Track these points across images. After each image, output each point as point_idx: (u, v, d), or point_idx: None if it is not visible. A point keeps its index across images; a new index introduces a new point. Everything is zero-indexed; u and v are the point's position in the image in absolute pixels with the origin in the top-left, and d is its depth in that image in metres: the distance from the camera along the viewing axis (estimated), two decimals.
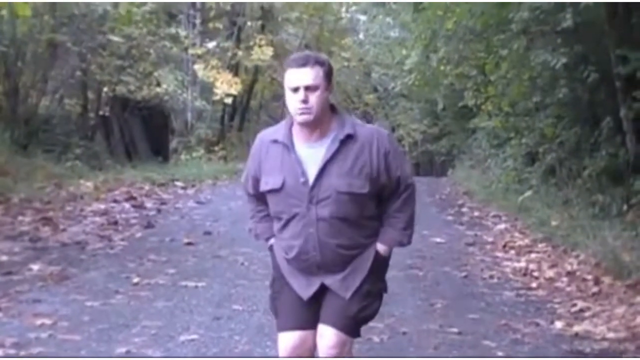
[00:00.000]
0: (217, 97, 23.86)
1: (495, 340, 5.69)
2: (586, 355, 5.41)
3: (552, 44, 11.43)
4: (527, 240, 9.93)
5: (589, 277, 7.60)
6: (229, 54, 24.97)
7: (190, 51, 23.64)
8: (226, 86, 23.54)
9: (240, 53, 24.97)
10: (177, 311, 6.12)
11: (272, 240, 3.49)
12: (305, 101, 3.21)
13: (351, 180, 3.25)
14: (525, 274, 8.09)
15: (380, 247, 3.40)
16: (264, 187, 3.36)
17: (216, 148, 23.80)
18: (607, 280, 7.37)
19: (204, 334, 5.50)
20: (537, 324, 6.14)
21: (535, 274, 8.05)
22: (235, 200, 13.20)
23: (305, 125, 3.28)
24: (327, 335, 3.32)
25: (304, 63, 3.26)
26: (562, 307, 6.72)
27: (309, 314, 3.37)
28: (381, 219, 3.40)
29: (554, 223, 10.18)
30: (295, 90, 3.23)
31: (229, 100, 24.41)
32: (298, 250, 3.32)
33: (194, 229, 10.13)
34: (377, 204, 3.38)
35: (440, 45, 14.52)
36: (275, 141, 3.35)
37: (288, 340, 3.39)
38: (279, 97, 30.99)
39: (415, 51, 15.57)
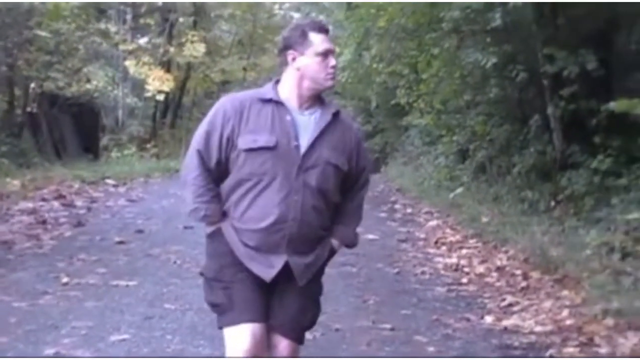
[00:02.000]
0: (149, 94, 23.67)
1: (427, 335, 5.75)
2: (515, 349, 5.51)
3: (482, 43, 11.62)
4: (458, 237, 10.08)
5: (518, 272, 7.75)
6: (161, 50, 24.76)
7: (121, 47, 23.36)
8: (158, 83, 23.36)
9: (172, 49, 24.78)
10: (108, 311, 6.03)
11: (220, 224, 3.23)
12: (335, 66, 3.20)
13: (337, 154, 3.22)
14: (456, 270, 8.20)
15: (335, 244, 3.34)
16: (248, 144, 3.13)
17: (148, 145, 23.57)
18: (535, 275, 7.53)
19: (136, 334, 5.43)
20: (468, 319, 6.23)
21: (466, 269, 8.18)
22: (168, 198, 13.07)
23: (323, 91, 3.24)
24: (282, 347, 3.23)
25: (327, 29, 3.24)
26: (492, 302, 6.83)
27: (263, 305, 3.19)
28: (336, 211, 3.31)
29: (484, 219, 10.35)
30: (325, 55, 3.18)
31: (161, 97, 24.22)
32: (275, 218, 3.12)
33: (126, 228, 9.99)
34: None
35: (373, 43, 14.60)
36: (266, 100, 3.21)
37: (246, 334, 3.12)
38: (212, 94, 30.88)
39: (348, 49, 15.62)
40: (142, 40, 26.01)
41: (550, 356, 5.35)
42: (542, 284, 7.25)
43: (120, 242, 8.92)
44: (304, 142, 3.17)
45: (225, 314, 3.20)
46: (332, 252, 3.34)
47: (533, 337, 5.76)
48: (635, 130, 9.05)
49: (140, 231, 9.72)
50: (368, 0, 14.39)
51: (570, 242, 8.13)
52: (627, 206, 8.23)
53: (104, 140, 22.24)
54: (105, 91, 21.27)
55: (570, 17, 10.84)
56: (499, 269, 8.05)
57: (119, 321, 5.73)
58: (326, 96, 3.32)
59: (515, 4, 10.16)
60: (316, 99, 3.25)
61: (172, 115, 27.57)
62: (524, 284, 7.33)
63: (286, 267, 3.18)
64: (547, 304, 6.54)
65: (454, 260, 8.64)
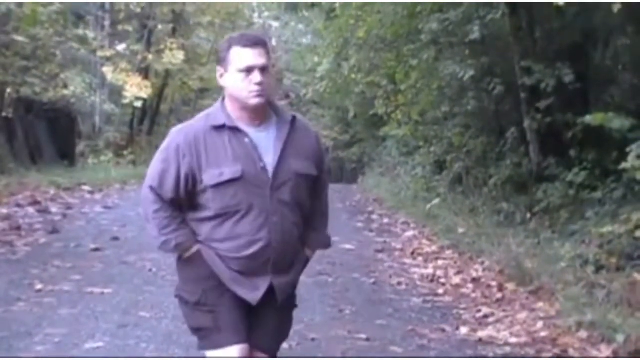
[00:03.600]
0: (126, 101, 23.54)
1: (402, 346, 5.76)
2: None
3: (460, 55, 11.71)
4: (434, 247, 10.10)
5: (494, 283, 7.79)
6: (139, 57, 24.66)
7: (99, 53, 23.23)
8: (136, 89, 23.25)
9: (150, 56, 24.69)
10: (82, 318, 5.98)
11: (196, 247, 3.09)
12: (261, 83, 2.99)
13: (304, 162, 3.11)
14: (432, 281, 8.22)
15: (309, 252, 3.28)
16: (215, 180, 2.98)
17: (125, 152, 23.45)
18: (510, 286, 7.56)
19: (110, 342, 5.39)
20: (443, 330, 6.25)
21: (442, 280, 8.20)
22: None
23: (255, 108, 3.04)
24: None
25: (256, 42, 3.04)
26: (468, 313, 6.86)
27: (247, 325, 3.12)
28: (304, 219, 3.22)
29: (460, 230, 10.39)
30: (249, 71, 2.99)
31: (138, 104, 24.11)
32: (259, 247, 3.02)
33: (101, 235, 9.92)
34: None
35: (352, 53, 14.66)
36: (218, 127, 3.04)
37: (235, 356, 3.06)
38: (189, 101, 30.81)
39: (327, 59, 15.68)
40: (120, 47, 25.90)
41: None
42: (517, 295, 7.29)
43: (96, 249, 8.86)
44: (270, 161, 3.04)
45: (211, 337, 3.10)
46: (306, 261, 3.29)
47: (508, 349, 5.79)
48: (610, 144, 9.15)
49: (115, 238, 9.65)
50: (348, 6, 14.42)
51: (545, 255, 8.18)
52: (601, 219, 8.31)
53: (80, 147, 22.08)
54: (83, 97, 21.14)
55: (547, 31, 10.98)
56: (474, 280, 8.08)
57: (93, 329, 5.69)
58: (282, 103, 3.24)
59: (493, 16, 10.26)
60: (266, 112, 3.10)
61: (149, 122, 27.46)
62: (499, 295, 7.37)
63: (269, 288, 3.11)
64: (522, 315, 6.58)
65: (430, 271, 8.66)
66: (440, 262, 9.14)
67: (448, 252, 9.68)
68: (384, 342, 5.82)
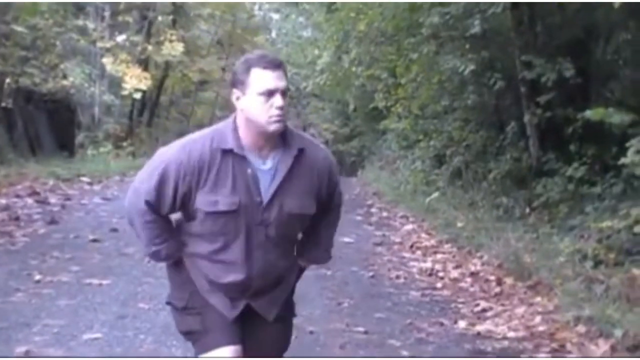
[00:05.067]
0: (125, 92, 23.51)
1: (400, 339, 5.77)
2: (487, 354, 5.54)
3: (460, 49, 11.68)
4: (433, 241, 10.11)
5: (492, 277, 7.79)
6: (139, 48, 24.63)
7: (99, 44, 23.21)
8: (135, 81, 23.24)
9: (150, 48, 24.67)
10: (81, 309, 5.99)
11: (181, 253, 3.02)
12: (283, 107, 2.79)
13: (303, 201, 2.94)
14: (430, 274, 8.23)
15: (303, 264, 3.19)
16: (208, 207, 2.84)
17: (124, 143, 23.45)
18: (509, 281, 7.57)
19: (108, 333, 5.40)
20: (442, 324, 6.25)
21: (441, 274, 8.20)
22: None
23: (273, 134, 2.85)
24: None
25: (277, 64, 2.83)
26: (466, 307, 6.86)
27: (238, 329, 3.00)
28: (305, 233, 3.12)
29: (459, 224, 10.39)
30: (270, 94, 2.78)
31: (138, 96, 24.09)
32: (237, 279, 2.92)
33: (100, 226, 9.93)
34: None
35: (352, 46, 14.66)
36: (225, 151, 2.84)
37: (227, 356, 2.95)
38: (189, 93, 30.79)
39: (327, 51, 15.68)
40: (120, 38, 25.85)
41: None
42: (515, 290, 7.29)
43: (95, 240, 8.86)
44: (266, 195, 2.88)
45: (201, 340, 3.00)
46: (301, 271, 3.20)
47: (506, 343, 5.79)
48: (610, 139, 9.15)
49: (114, 230, 9.65)
50: (348, 1, 14.41)
51: (544, 249, 8.18)
52: (600, 214, 8.31)
53: (80, 138, 22.07)
54: (82, 88, 21.12)
55: (548, 25, 10.95)
56: (473, 274, 8.09)
57: (91, 320, 5.69)
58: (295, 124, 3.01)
59: (494, 10, 10.24)
60: (277, 140, 2.90)
61: (149, 114, 27.45)
62: (497, 289, 7.37)
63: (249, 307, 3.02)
64: (520, 310, 6.58)
65: (428, 264, 8.66)
66: (439, 256, 9.15)
67: (447, 246, 9.69)
68: (382, 336, 5.83)
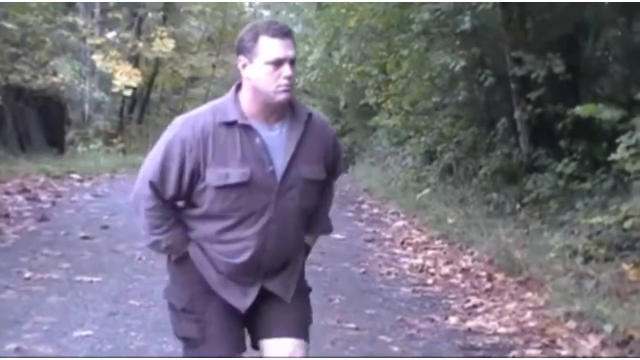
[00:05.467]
0: (116, 89, 23.45)
1: (391, 335, 5.77)
2: (478, 350, 5.55)
3: (451, 46, 11.70)
4: (424, 237, 10.12)
5: (483, 273, 7.81)
6: (129, 45, 24.57)
7: (89, 41, 23.14)
8: (126, 78, 23.19)
9: (140, 44, 24.61)
10: (72, 306, 5.97)
11: (185, 249, 2.90)
12: (291, 77, 2.73)
13: (313, 166, 2.86)
14: (421, 271, 8.24)
15: (310, 240, 3.09)
16: (220, 181, 2.73)
17: (115, 140, 23.40)
18: (499, 276, 7.59)
19: (99, 330, 5.38)
20: (432, 320, 6.26)
21: (432, 270, 8.21)
22: None
23: (279, 104, 2.78)
24: (291, 349, 2.90)
25: (286, 32, 2.76)
26: (457, 303, 6.87)
27: (238, 333, 2.92)
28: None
29: (450, 221, 10.40)
30: (278, 63, 2.71)
31: (128, 92, 24.03)
32: (251, 254, 2.80)
33: (91, 223, 9.90)
34: None
35: (343, 43, 14.63)
36: (229, 123, 2.76)
37: None
38: (180, 89, 30.73)
39: (317, 48, 15.62)
40: (110, 35, 25.76)
41: (513, 357, 5.39)
42: (506, 285, 7.31)
43: (85, 238, 8.84)
44: (279, 164, 2.78)
45: (197, 348, 2.89)
46: (307, 250, 3.11)
47: (496, 339, 5.81)
48: (600, 135, 9.18)
49: (105, 227, 9.64)
50: (338, 0, 14.43)
51: (534, 245, 8.21)
52: (590, 210, 8.33)
53: (70, 135, 22.00)
54: (72, 85, 21.02)
55: (538, 22, 10.97)
56: (464, 270, 8.10)
57: (82, 317, 5.68)
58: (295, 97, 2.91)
59: (484, 7, 10.25)
60: (284, 108, 2.83)
61: (139, 111, 27.40)
62: (488, 285, 7.38)
63: (263, 290, 2.91)
64: (511, 305, 6.60)
65: (419, 261, 8.67)
66: (429, 252, 9.16)
67: (437, 242, 9.70)
68: (373, 332, 5.83)
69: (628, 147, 7.14)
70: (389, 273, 8.10)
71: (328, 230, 3.19)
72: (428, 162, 15.05)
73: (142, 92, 26.95)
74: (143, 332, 5.39)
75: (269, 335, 2.92)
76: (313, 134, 2.88)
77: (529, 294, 6.86)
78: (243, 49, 2.77)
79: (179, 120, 2.85)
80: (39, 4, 17.50)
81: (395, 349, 5.48)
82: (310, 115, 2.88)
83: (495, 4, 10.53)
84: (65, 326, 5.42)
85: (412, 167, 15.85)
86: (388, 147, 19.46)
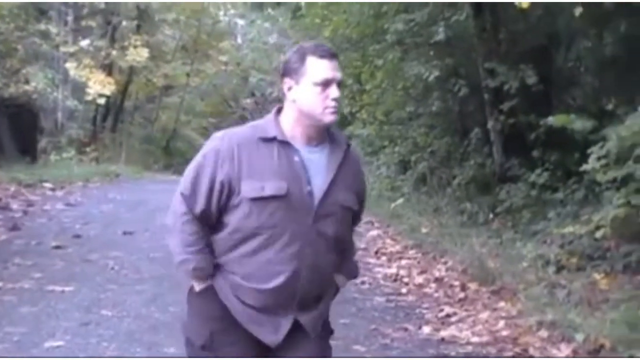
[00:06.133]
0: (89, 97, 23.28)
1: (365, 344, 5.78)
2: (451, 359, 5.57)
3: (425, 56, 11.77)
4: (398, 247, 10.14)
5: (456, 283, 7.83)
6: (103, 53, 24.42)
7: (62, 49, 22.95)
8: (99, 86, 23.03)
9: (114, 53, 24.46)
10: (43, 317, 5.92)
11: (210, 281, 2.76)
12: (338, 99, 2.71)
13: (350, 194, 2.81)
14: (395, 280, 8.26)
15: (341, 281, 3.00)
16: (256, 192, 2.64)
17: (88, 149, 23.22)
18: (473, 286, 7.62)
19: (71, 340, 5.34)
20: (406, 329, 6.27)
21: (406, 280, 8.23)
22: (107, 203, 12.90)
23: (325, 126, 2.74)
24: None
25: (333, 54, 2.74)
26: (430, 313, 6.89)
27: None
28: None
29: (424, 230, 10.44)
30: (326, 84, 2.69)
31: (102, 101, 23.86)
32: (286, 278, 2.68)
33: (63, 232, 9.82)
34: None
35: None
36: (268, 139, 2.70)
37: None
38: (154, 98, 30.59)
39: None
40: (84, 43, 25.59)
41: None
42: (479, 295, 7.34)
43: (57, 247, 8.76)
44: (318, 186, 2.71)
45: None
46: (337, 290, 3.01)
47: (470, 348, 5.83)
48: (572, 145, 9.25)
49: (77, 236, 9.56)
50: (315, 4, 14.45)
51: (507, 255, 8.26)
52: (562, 220, 8.41)
53: (42, 143, 21.80)
54: (45, 93, 20.85)
55: (511, 33, 11.06)
56: (437, 279, 8.12)
57: (54, 327, 5.63)
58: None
59: (458, 18, 10.33)
60: (325, 132, 2.78)
61: (113, 119, 27.21)
62: (461, 295, 7.41)
63: (295, 325, 2.78)
64: (484, 315, 6.63)
65: (393, 270, 8.69)
66: (403, 262, 9.18)
67: (412, 252, 9.72)
68: (347, 341, 5.83)
69: (599, 158, 7.20)
70: (362, 282, 8.09)
71: (355, 274, 3.11)
72: (402, 172, 15.10)
73: (115, 101, 26.79)
74: (115, 343, 5.35)
75: None
76: (350, 163, 2.84)
77: (502, 304, 6.89)
78: (289, 71, 2.73)
79: (217, 134, 2.82)
80: (10, 11, 17.34)
81: (369, 358, 5.48)
82: (349, 144, 2.86)
83: (468, 15, 10.62)
84: (37, 337, 5.37)
85: (387, 177, 15.89)
86: (362, 157, 19.50)
